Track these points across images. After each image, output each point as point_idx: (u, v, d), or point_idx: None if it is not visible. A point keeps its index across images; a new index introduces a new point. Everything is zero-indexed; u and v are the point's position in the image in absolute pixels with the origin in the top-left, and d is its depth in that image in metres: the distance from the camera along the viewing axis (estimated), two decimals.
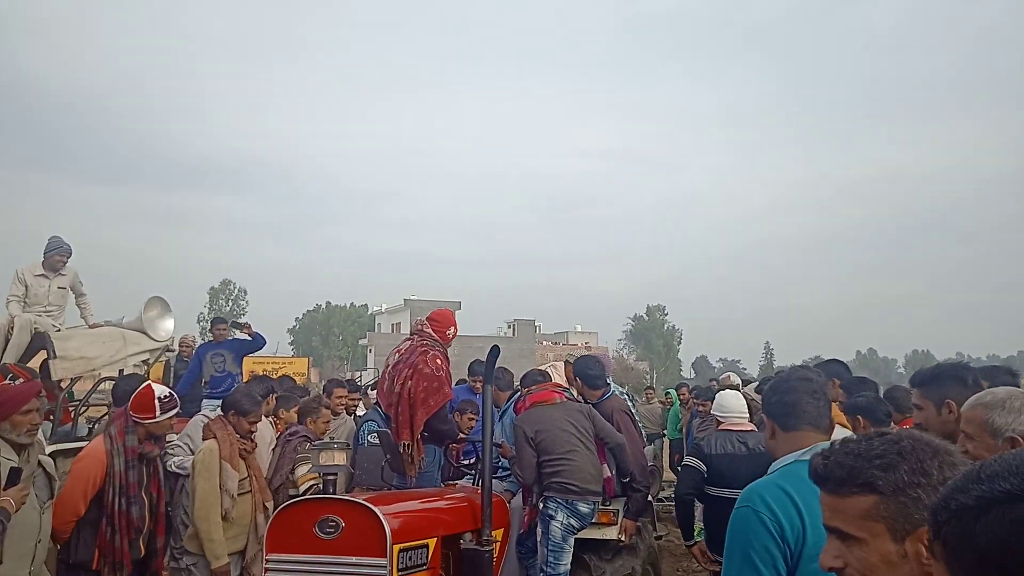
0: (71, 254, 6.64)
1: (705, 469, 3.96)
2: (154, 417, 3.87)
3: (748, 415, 4.25)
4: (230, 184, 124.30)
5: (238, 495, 4.18)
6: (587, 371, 4.60)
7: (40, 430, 3.77)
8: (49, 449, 4.56)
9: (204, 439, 4.37)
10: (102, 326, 6.88)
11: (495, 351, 3.86)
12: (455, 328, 4.63)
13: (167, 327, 7.16)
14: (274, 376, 8.91)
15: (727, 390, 4.77)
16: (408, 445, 4.16)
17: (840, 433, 3.28)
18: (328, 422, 5.24)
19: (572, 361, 4.90)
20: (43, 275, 6.52)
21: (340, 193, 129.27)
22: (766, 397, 2.10)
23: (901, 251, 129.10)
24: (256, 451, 4.49)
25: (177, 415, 7.03)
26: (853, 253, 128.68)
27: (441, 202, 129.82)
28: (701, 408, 7.31)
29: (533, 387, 4.32)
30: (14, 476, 3.06)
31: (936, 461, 1.20)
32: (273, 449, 4.94)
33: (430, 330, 4.52)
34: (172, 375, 9.29)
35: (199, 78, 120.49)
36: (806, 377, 2.10)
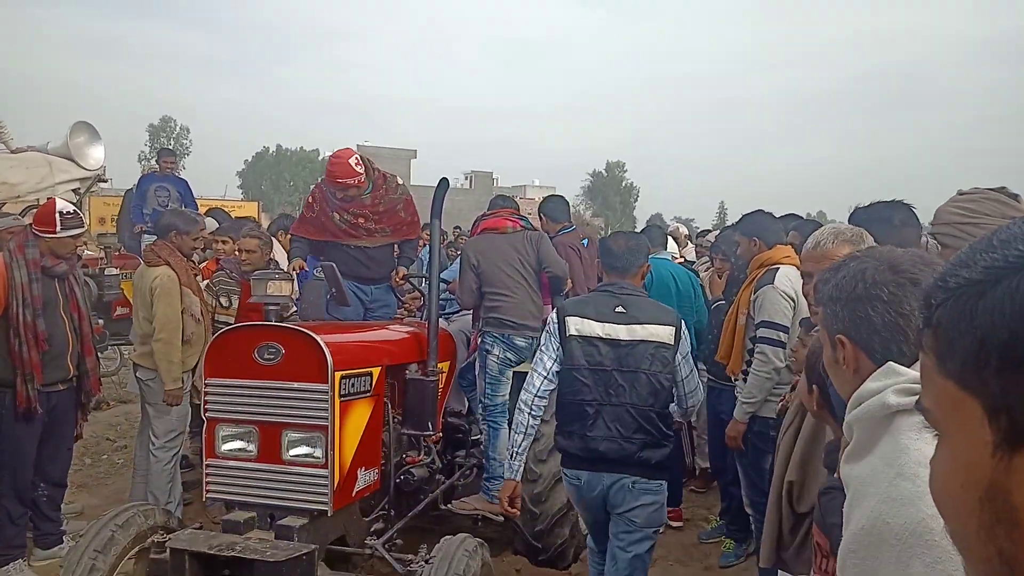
0: None
1: None
2: (54, 232, 3.70)
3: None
4: (168, 11, 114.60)
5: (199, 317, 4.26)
6: (548, 204, 4.91)
7: None
8: None
9: (151, 265, 4.25)
10: (25, 151, 6.39)
11: (443, 184, 3.71)
12: (326, 170, 4.32)
13: (96, 155, 6.69)
14: None
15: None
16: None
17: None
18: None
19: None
20: None
21: (291, 29, 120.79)
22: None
23: (862, 116, 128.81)
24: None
25: (110, 249, 6.77)
26: (809, 120, 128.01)
27: (398, 45, 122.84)
28: None
29: (489, 213, 4.26)
30: None
31: (867, 279, 1.18)
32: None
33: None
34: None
35: None
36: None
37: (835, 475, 1.26)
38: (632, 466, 2.85)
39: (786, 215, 4.50)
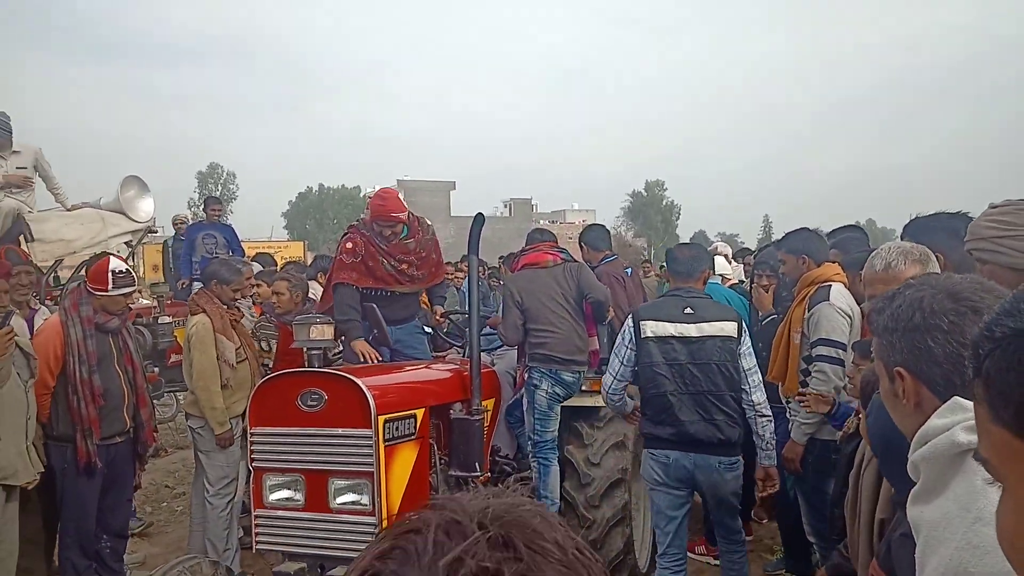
0: (10, 129, 6.01)
1: None
2: (106, 290, 3.79)
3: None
4: (212, 63, 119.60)
5: (236, 363, 4.28)
6: (589, 234, 4.87)
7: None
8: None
9: (192, 314, 4.37)
10: (79, 208, 6.65)
11: (479, 219, 3.70)
12: (370, 210, 4.29)
13: (147, 207, 6.91)
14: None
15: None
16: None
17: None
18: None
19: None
20: None
21: (329, 71, 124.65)
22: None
23: (900, 119, 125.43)
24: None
25: (163, 298, 6.95)
26: (852, 123, 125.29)
27: (432, 79, 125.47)
28: None
29: (528, 248, 4.23)
30: None
31: (925, 308, 1.11)
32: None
33: (367, 214, 4.33)
34: (171, 256, 9.20)
35: None
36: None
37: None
38: (718, 446, 3.28)
39: (843, 227, 4.31)
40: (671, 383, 3.27)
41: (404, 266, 4.22)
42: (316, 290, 5.40)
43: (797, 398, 3.52)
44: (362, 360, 3.95)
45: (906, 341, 1.12)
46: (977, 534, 0.87)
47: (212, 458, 4.30)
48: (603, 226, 5.34)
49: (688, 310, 3.32)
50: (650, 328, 3.31)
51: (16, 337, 3.46)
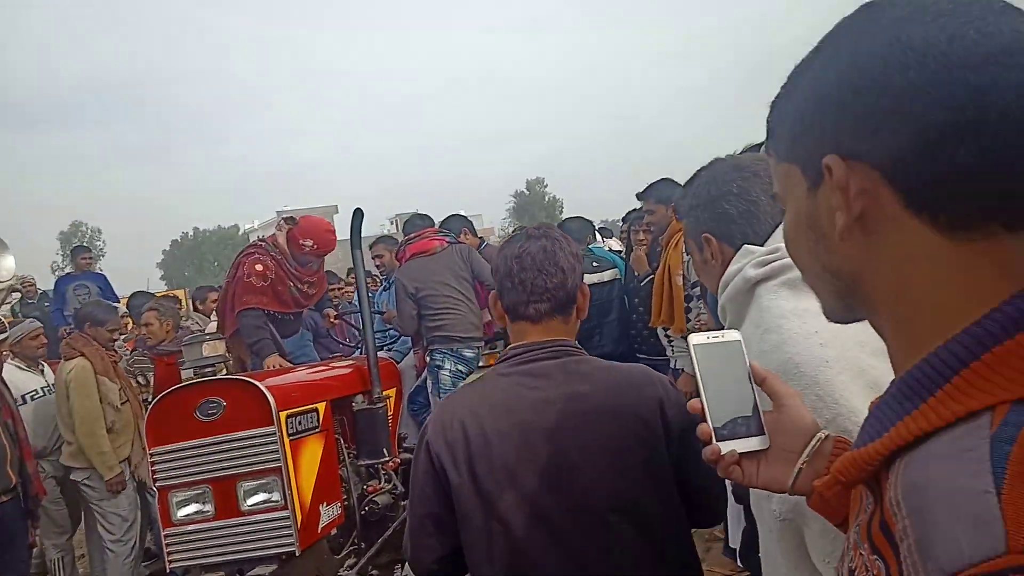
0: None
1: None
2: None
3: None
4: (66, 117, 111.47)
5: (120, 404, 4.16)
6: (453, 220, 5.02)
7: None
8: None
9: (67, 359, 4.20)
10: None
11: (358, 214, 3.78)
12: (313, 241, 4.08)
13: (8, 265, 6.44)
14: None
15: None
16: (226, 340, 3.95)
17: None
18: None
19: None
20: None
21: (189, 111, 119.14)
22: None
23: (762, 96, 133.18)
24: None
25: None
26: (707, 102, 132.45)
27: (308, 106, 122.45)
28: None
29: (412, 235, 4.31)
30: None
31: (717, 180, 1.29)
32: None
33: (281, 236, 4.17)
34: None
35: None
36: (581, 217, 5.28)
37: None
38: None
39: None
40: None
41: (305, 287, 4.23)
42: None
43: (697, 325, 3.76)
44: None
45: (708, 211, 1.30)
46: (765, 341, 1.04)
47: (107, 506, 4.16)
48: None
49: (595, 263, 4.38)
50: None
51: None
